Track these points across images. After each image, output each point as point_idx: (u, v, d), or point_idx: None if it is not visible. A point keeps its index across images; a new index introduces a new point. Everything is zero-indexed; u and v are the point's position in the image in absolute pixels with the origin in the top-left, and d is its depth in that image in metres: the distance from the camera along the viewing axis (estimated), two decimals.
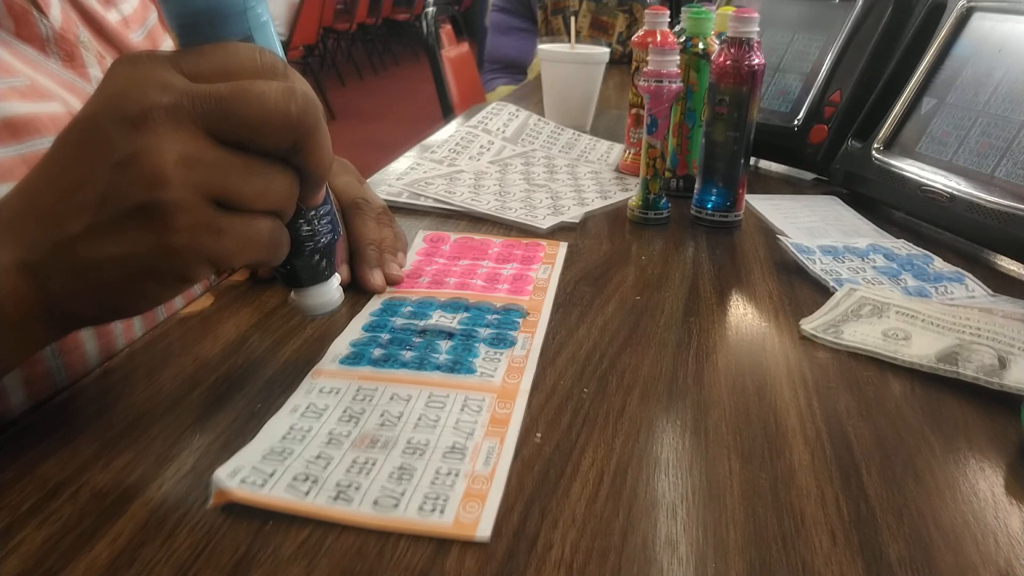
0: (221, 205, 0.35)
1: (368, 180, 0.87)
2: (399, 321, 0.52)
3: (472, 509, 0.35)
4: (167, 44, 0.63)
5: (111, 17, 0.57)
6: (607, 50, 1.13)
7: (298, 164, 0.37)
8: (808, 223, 0.76)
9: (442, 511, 0.35)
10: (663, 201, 0.75)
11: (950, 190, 0.71)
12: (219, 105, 0.34)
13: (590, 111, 1.15)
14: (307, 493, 0.36)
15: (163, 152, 0.33)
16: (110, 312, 0.38)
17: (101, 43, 0.56)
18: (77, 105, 0.48)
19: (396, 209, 0.77)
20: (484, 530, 0.34)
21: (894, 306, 0.55)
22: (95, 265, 0.34)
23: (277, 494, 0.35)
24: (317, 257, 0.42)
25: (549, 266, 0.63)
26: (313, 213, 0.41)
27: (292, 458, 0.38)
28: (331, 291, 0.44)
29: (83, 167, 0.34)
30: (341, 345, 0.49)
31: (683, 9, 0.84)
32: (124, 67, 0.35)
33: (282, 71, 0.36)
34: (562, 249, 0.66)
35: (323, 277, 0.43)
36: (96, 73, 0.54)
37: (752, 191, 0.84)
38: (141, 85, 0.33)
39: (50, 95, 0.48)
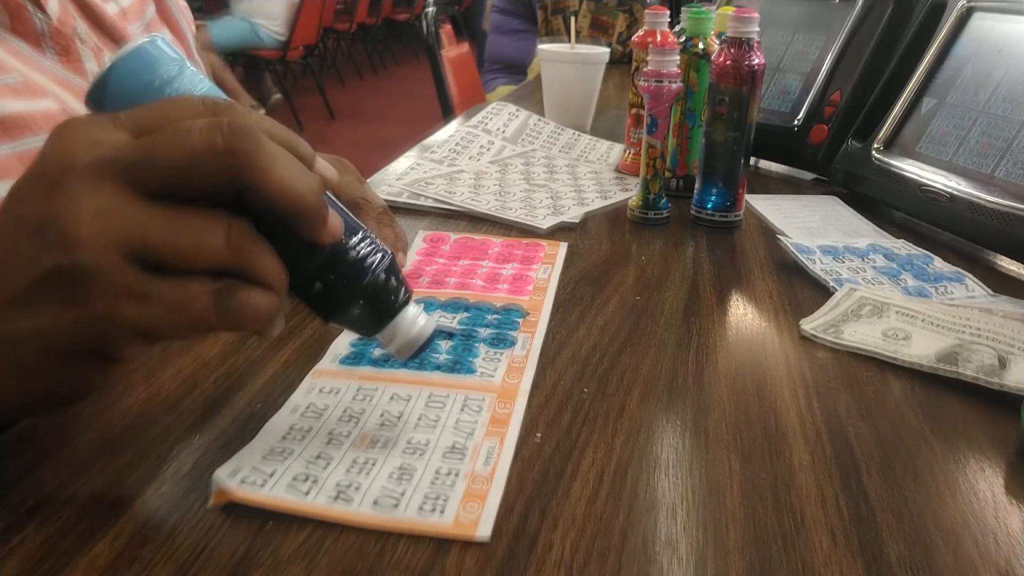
0: (155, 269, 0.30)
1: (368, 180, 0.87)
2: None
3: (472, 509, 0.35)
4: (165, 35, 0.63)
5: (109, 9, 0.58)
6: (607, 50, 1.13)
7: (255, 200, 0.31)
8: (808, 223, 0.76)
9: (442, 511, 0.35)
10: (663, 201, 0.75)
11: (950, 190, 0.71)
12: (144, 154, 0.30)
13: (590, 111, 1.15)
14: (307, 493, 0.36)
15: (77, 211, 0.29)
16: (40, 401, 0.34)
17: (99, 36, 0.56)
18: (71, 101, 0.48)
19: (396, 209, 0.77)
20: (484, 530, 0.34)
21: (894, 306, 0.55)
22: (12, 344, 0.31)
23: (277, 494, 0.35)
24: (373, 292, 0.36)
25: (549, 266, 0.63)
26: (337, 251, 0.35)
27: (292, 458, 0.38)
28: (407, 323, 0.37)
29: (4, 243, 0.31)
30: (341, 345, 0.49)
31: (683, 9, 0.84)
32: (61, 129, 0.32)
33: (224, 109, 0.32)
34: (562, 249, 0.66)
35: (393, 310, 0.37)
36: (92, 67, 0.53)
37: (752, 191, 0.84)
38: (69, 146, 0.31)
39: (44, 92, 0.47)
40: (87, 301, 0.30)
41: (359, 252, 0.35)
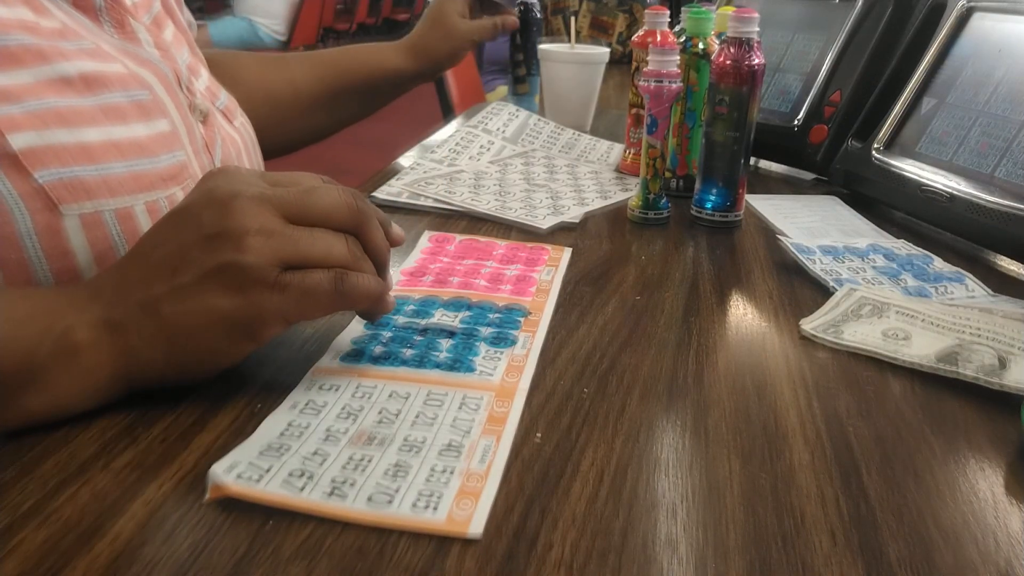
0: (292, 268, 0.41)
1: (368, 180, 0.87)
2: (401, 319, 0.52)
3: (465, 506, 0.35)
4: (170, 30, 0.64)
5: None
6: (607, 50, 1.13)
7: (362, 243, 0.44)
8: (808, 223, 0.76)
9: (435, 508, 0.35)
10: (663, 201, 0.75)
11: (950, 190, 0.71)
12: (299, 197, 0.42)
13: (590, 111, 1.15)
14: (302, 489, 0.36)
15: (246, 225, 0.40)
16: (177, 367, 0.42)
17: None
18: (134, 67, 0.53)
19: (396, 209, 0.77)
20: (476, 527, 0.34)
21: (894, 306, 0.55)
22: (175, 318, 0.40)
23: (272, 489, 0.35)
24: None
25: (553, 268, 0.63)
26: None
27: (289, 454, 0.38)
28: None
29: (173, 243, 0.41)
30: (343, 342, 0.49)
31: (683, 9, 0.84)
32: (216, 174, 0.43)
33: (329, 182, 0.45)
34: (566, 254, 0.66)
35: None
36: (145, 36, 0.57)
37: (752, 191, 0.84)
38: (232, 181, 0.41)
39: (112, 57, 0.51)
40: (244, 291, 0.40)
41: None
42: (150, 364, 0.41)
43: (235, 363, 0.43)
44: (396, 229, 0.47)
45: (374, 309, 0.46)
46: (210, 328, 0.40)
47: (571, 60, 1.11)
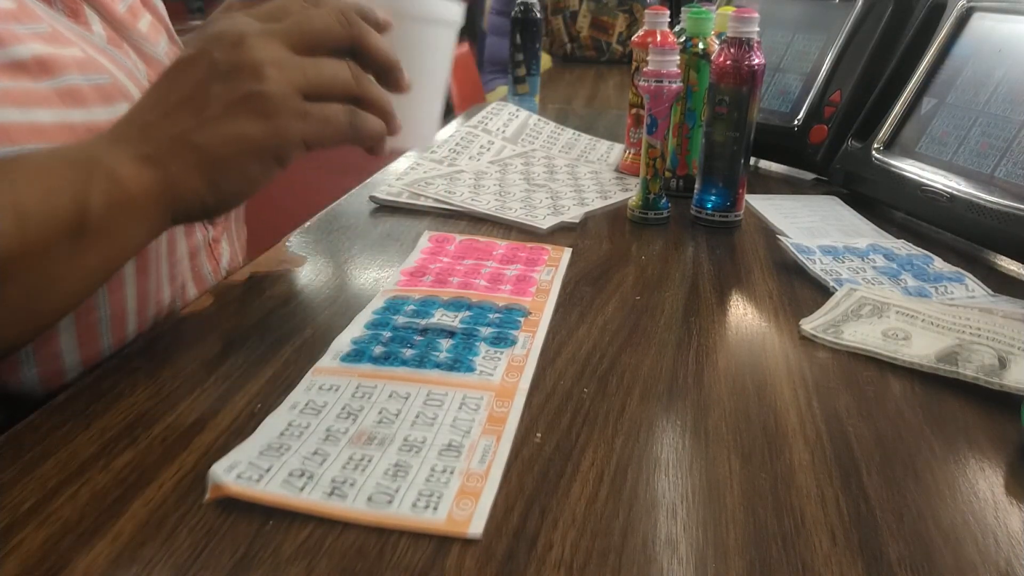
0: (308, 99, 0.44)
1: (368, 180, 0.87)
2: (401, 319, 0.52)
3: (465, 506, 0.35)
4: (146, 20, 0.63)
5: None
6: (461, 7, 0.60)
7: (363, 53, 0.47)
8: (808, 223, 0.76)
9: (435, 508, 0.35)
10: (663, 201, 0.75)
11: (950, 190, 0.71)
12: (298, 26, 0.44)
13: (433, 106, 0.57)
14: (302, 489, 0.36)
15: (261, 57, 0.42)
16: (217, 194, 0.44)
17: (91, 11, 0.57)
18: (93, 53, 0.52)
19: (396, 209, 0.77)
20: (476, 527, 0.34)
21: (894, 306, 0.55)
22: (210, 148, 0.42)
23: (273, 490, 0.35)
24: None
25: (553, 268, 0.63)
26: None
27: (289, 454, 0.38)
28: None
29: (189, 84, 0.43)
30: (343, 342, 0.49)
31: (683, 9, 0.84)
32: (215, 21, 0.46)
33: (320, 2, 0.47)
34: (566, 254, 0.66)
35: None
36: (98, 29, 0.56)
37: (752, 191, 0.84)
38: (236, 24, 0.44)
39: (70, 42, 0.51)
40: (271, 117, 0.42)
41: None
42: (193, 192, 0.43)
43: (262, 188, 0.46)
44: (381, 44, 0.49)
45: (376, 149, 0.49)
46: (242, 154, 0.43)
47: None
